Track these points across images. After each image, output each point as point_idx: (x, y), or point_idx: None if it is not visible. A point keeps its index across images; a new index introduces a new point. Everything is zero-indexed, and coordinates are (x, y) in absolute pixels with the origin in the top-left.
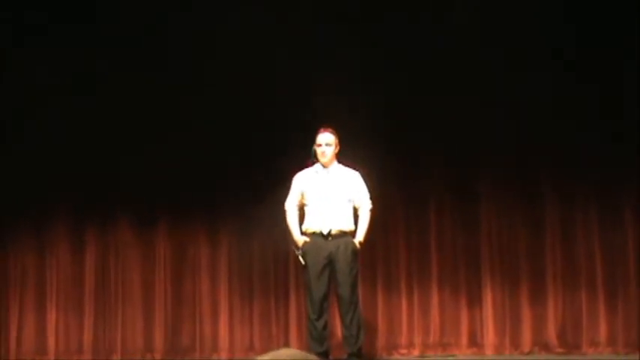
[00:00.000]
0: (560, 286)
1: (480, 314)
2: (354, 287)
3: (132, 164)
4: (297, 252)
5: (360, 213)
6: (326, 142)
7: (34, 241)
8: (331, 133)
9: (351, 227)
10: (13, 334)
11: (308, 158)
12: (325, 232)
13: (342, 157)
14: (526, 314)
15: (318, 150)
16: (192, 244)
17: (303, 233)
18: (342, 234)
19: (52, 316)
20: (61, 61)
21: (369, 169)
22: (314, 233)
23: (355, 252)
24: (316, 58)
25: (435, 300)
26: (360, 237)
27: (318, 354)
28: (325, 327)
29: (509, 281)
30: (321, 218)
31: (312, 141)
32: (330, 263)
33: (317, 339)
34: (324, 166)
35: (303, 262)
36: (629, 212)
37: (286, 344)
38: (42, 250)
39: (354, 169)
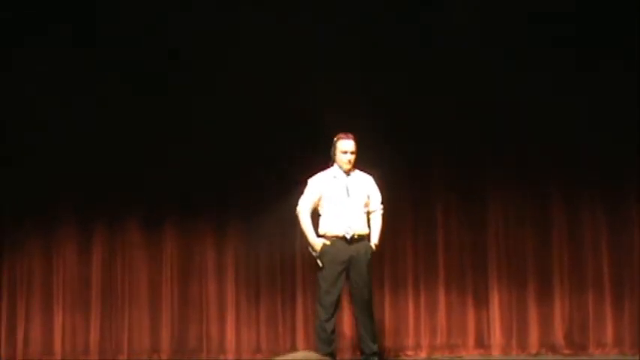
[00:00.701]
0: (567, 287)
1: (487, 315)
2: (370, 289)
3: (138, 165)
4: (313, 254)
5: (373, 216)
6: (351, 149)
7: (41, 241)
8: (353, 139)
9: (367, 230)
10: (20, 334)
11: (314, 160)
12: (349, 237)
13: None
14: (533, 315)
15: (344, 157)
16: (199, 245)
17: (320, 236)
18: (361, 238)
19: (58, 317)
20: (61, 61)
21: (375, 171)
22: (336, 237)
23: (372, 255)
24: (316, 59)
25: (441, 301)
26: (375, 240)
27: (325, 355)
28: (334, 329)
29: (515, 282)
30: (344, 223)
31: (321, 144)
32: (348, 267)
33: (325, 340)
34: (345, 172)
35: (320, 264)
36: (635, 212)
37: (293, 345)
38: (49, 251)
39: (369, 173)
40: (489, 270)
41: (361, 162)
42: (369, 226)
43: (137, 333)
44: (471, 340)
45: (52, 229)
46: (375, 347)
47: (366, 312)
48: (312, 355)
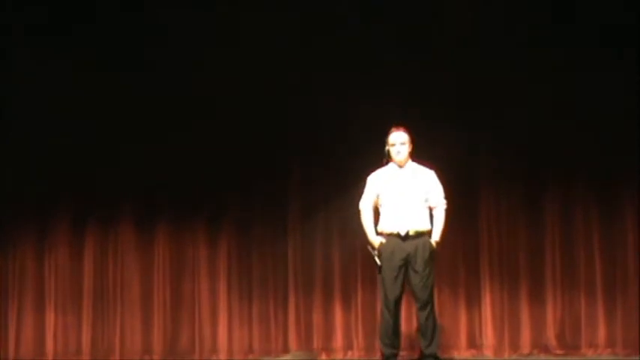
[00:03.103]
0: (560, 287)
1: (479, 316)
2: (430, 288)
3: (131, 165)
4: (373, 253)
5: (435, 212)
6: (400, 141)
7: (34, 242)
8: (404, 131)
9: (428, 227)
10: (12, 335)
11: (313, 160)
12: (402, 234)
13: (350, 156)
14: (525, 316)
15: (393, 149)
16: (192, 245)
17: (378, 234)
18: (419, 234)
19: (50, 318)
20: (62, 61)
21: (372, 170)
22: (390, 234)
23: (432, 252)
24: (316, 59)
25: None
26: (436, 237)
27: (388, 357)
28: (396, 331)
29: (508, 282)
30: (397, 219)
31: (321, 143)
32: (406, 264)
33: (387, 342)
34: (399, 166)
35: (379, 264)
36: (629, 212)
37: (285, 345)
38: (41, 251)
39: (430, 167)
40: (481, 270)
41: (362, 161)
42: (431, 223)
43: (129, 333)
44: (463, 340)
45: (45, 229)
46: (429, 350)
47: (423, 311)
48: (301, 355)
